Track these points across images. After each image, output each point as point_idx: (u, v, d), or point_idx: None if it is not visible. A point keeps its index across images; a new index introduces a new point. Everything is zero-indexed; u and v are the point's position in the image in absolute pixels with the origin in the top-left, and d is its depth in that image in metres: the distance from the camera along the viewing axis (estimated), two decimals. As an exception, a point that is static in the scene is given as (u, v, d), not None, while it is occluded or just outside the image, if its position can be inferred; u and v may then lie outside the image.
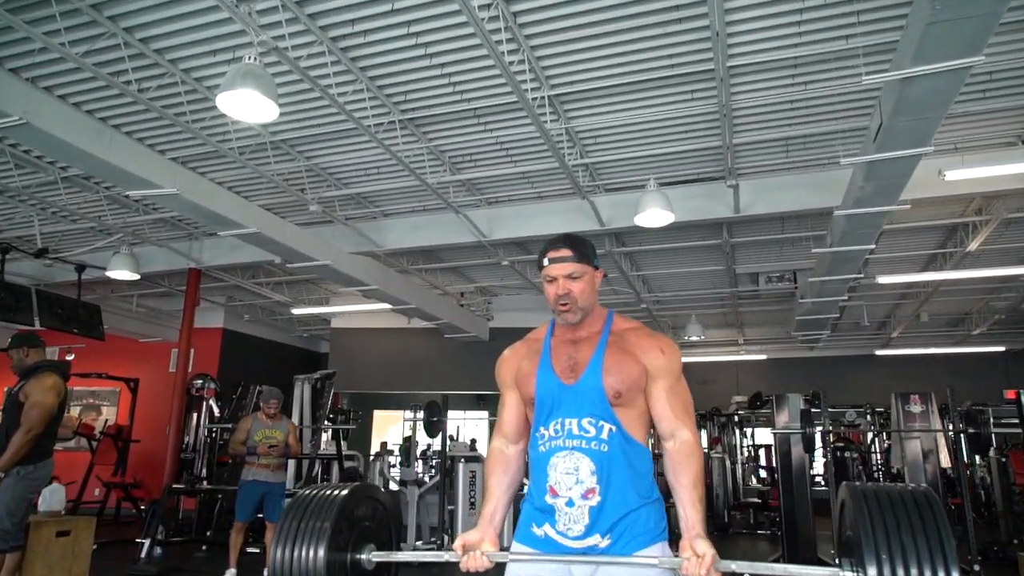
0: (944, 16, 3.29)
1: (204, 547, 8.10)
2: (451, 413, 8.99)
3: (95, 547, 5.20)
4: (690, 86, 5.34)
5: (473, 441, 11.51)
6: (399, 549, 2.22)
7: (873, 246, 6.84)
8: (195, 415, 9.63)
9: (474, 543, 1.88)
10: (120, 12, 4.50)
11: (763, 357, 15.55)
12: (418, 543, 7.77)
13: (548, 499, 1.85)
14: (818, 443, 7.21)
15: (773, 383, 12.50)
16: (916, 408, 8.39)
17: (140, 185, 5.75)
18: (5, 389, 4.49)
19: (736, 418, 12.42)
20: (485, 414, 15.59)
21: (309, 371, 10.47)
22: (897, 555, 1.50)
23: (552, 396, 1.90)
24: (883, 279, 9.24)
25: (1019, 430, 7.45)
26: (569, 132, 6.00)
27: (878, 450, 11.48)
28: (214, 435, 9.59)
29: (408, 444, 9.17)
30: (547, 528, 1.86)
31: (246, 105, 4.25)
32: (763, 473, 12.64)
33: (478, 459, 7.88)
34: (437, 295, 10.85)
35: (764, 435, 12.92)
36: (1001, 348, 14.05)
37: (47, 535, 4.63)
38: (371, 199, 7.82)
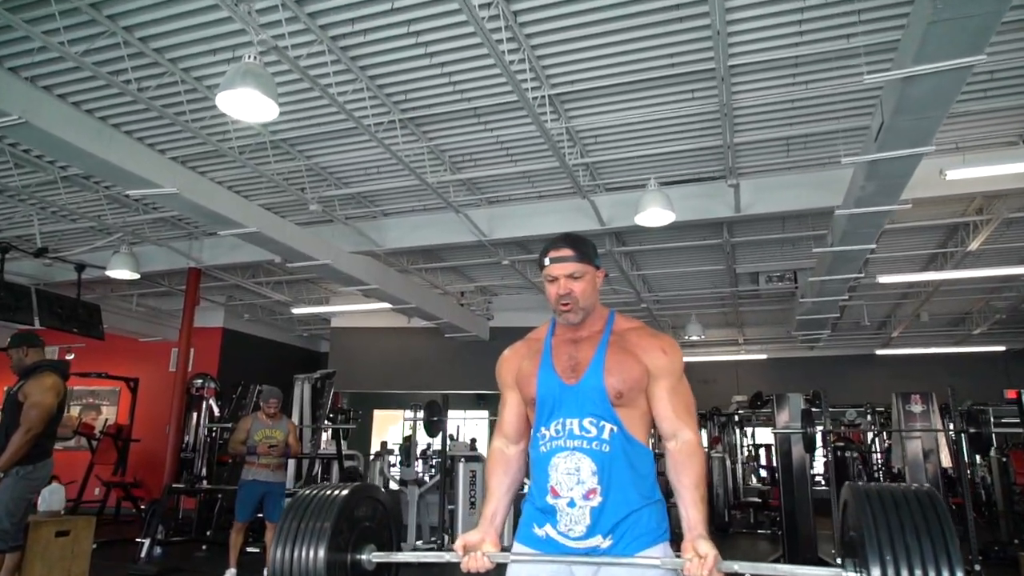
0: (946, 15, 3.28)
1: (204, 547, 8.10)
2: (451, 413, 8.98)
3: (95, 547, 5.18)
4: (691, 85, 5.33)
5: (473, 441, 11.52)
6: (399, 549, 2.21)
7: (874, 246, 6.83)
8: (195, 415, 9.62)
9: (475, 544, 1.87)
10: (119, 11, 4.49)
11: (763, 357, 15.55)
12: (418, 543, 7.77)
13: (549, 500, 1.85)
14: (819, 443, 7.21)
15: (773, 383, 12.48)
16: (917, 408, 8.40)
17: (140, 184, 5.74)
18: (5, 389, 4.48)
19: (736, 418, 12.41)
20: (485, 414, 15.58)
21: (309, 370, 10.46)
22: (901, 555, 1.49)
23: (553, 396, 1.89)
24: (884, 279, 9.23)
25: (1020, 430, 7.44)
26: (569, 131, 5.99)
27: (878, 450, 11.48)
28: (214, 435, 9.58)
29: (408, 444, 9.17)
30: (548, 529, 1.85)
31: (246, 104, 4.24)
32: (763, 473, 12.64)
33: (478, 459, 7.87)
34: (437, 294, 10.85)
35: (764, 435, 12.92)
36: (1001, 348, 14.05)
37: (46, 535, 4.62)
38: (371, 198, 7.81)
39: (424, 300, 10.14)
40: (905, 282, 10.24)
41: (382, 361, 12.87)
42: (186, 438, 9.38)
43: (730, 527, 10.02)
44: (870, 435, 11.60)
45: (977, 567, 5.87)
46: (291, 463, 7.83)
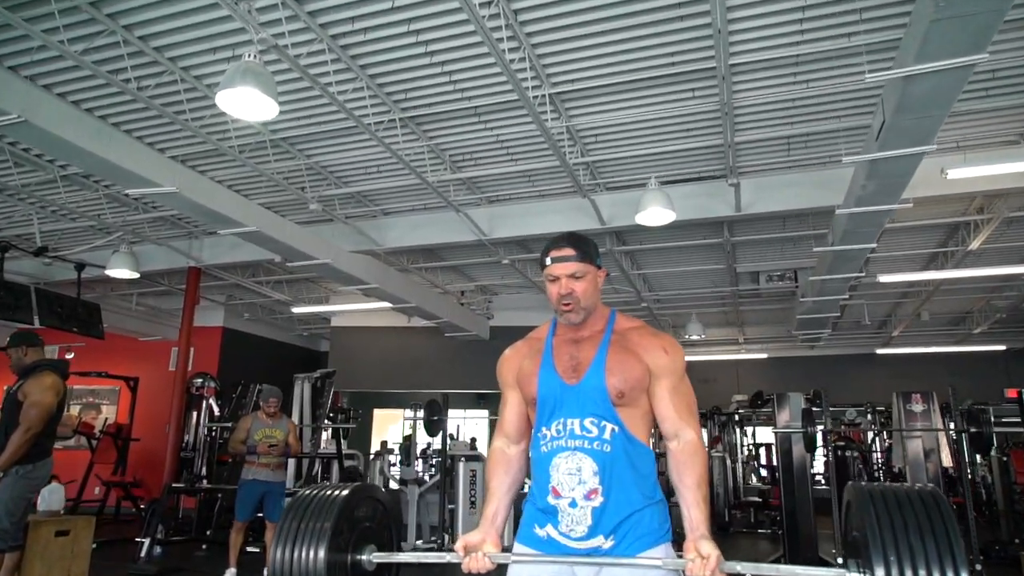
0: (948, 13, 3.27)
1: (204, 546, 8.09)
2: (451, 412, 8.97)
3: (94, 546, 5.18)
4: (691, 84, 5.32)
5: (473, 440, 11.52)
6: (400, 550, 2.20)
7: (874, 245, 6.82)
8: (195, 414, 9.62)
9: (476, 544, 1.86)
10: (119, 9, 4.48)
11: (764, 356, 15.54)
12: (418, 542, 7.76)
13: (551, 500, 1.84)
14: (819, 442, 7.20)
15: (774, 382, 12.49)
16: (918, 407, 8.39)
17: (139, 183, 5.73)
18: (4, 388, 4.47)
19: (737, 417, 12.40)
20: (485, 413, 15.58)
21: (309, 370, 10.46)
22: (905, 556, 1.48)
23: (554, 396, 1.88)
24: (884, 278, 9.22)
25: (1020, 429, 7.44)
26: (570, 130, 5.98)
27: (879, 449, 11.47)
28: (214, 434, 9.58)
29: (408, 443, 9.15)
30: (549, 529, 1.85)
31: (246, 103, 4.24)
32: (764, 472, 12.64)
33: (478, 458, 7.86)
34: (437, 294, 10.84)
35: (765, 434, 12.91)
36: (1002, 347, 14.04)
37: (46, 534, 4.62)
38: (371, 197, 7.80)
39: (424, 299, 10.14)
40: (906, 281, 10.24)
41: (382, 360, 12.86)
42: (186, 437, 9.37)
43: (730, 526, 10.02)
44: (870, 434, 11.59)
45: (978, 567, 5.87)
46: (291, 462, 7.82)
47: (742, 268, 9.94)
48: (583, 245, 1.92)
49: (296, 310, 12.09)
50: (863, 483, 1.81)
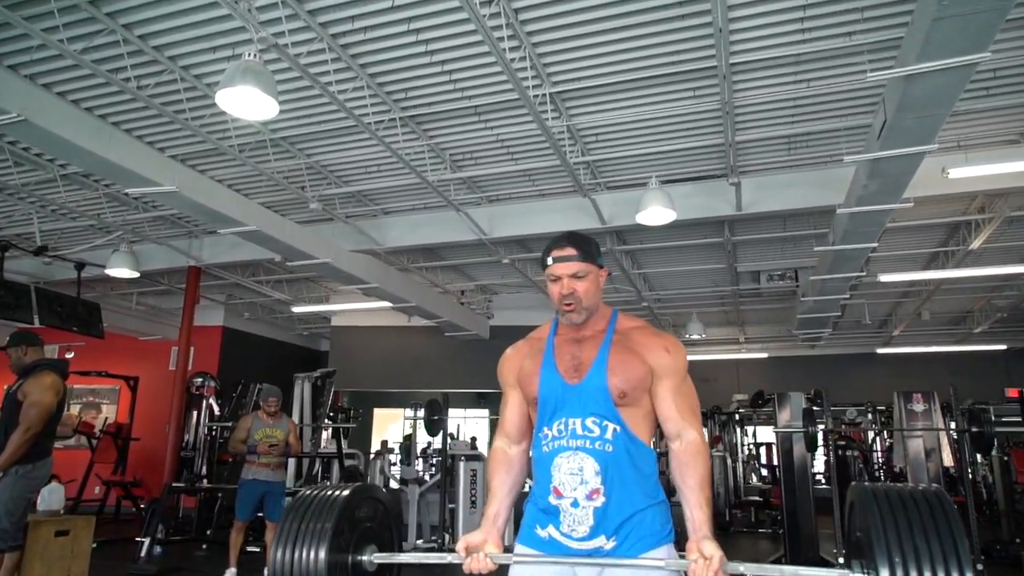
0: (951, 11, 3.26)
1: (204, 546, 8.08)
2: (452, 411, 8.96)
3: (94, 546, 5.17)
4: (692, 83, 5.31)
5: (473, 439, 11.52)
6: (401, 550, 2.19)
7: (875, 244, 6.82)
8: (195, 413, 9.61)
9: (477, 545, 1.85)
10: (119, 8, 4.47)
11: (764, 355, 15.54)
12: (419, 542, 7.75)
13: (552, 500, 1.83)
14: (820, 442, 7.19)
15: (774, 381, 12.48)
16: (919, 407, 8.38)
17: (139, 182, 5.72)
18: (4, 387, 4.46)
19: (737, 416, 12.40)
20: (486, 412, 15.57)
21: (309, 369, 10.46)
22: (910, 556, 1.47)
23: (555, 396, 1.87)
24: (885, 277, 9.22)
25: (1021, 428, 7.44)
26: (570, 129, 5.97)
27: (880, 449, 11.47)
28: (214, 433, 9.57)
29: (408, 442, 9.15)
30: (551, 529, 1.84)
31: (246, 102, 4.23)
32: (764, 472, 12.64)
33: (479, 457, 7.86)
34: (437, 293, 10.83)
35: (765, 433, 12.91)
36: (1003, 346, 14.04)
37: (46, 534, 4.61)
38: (371, 197, 7.79)
39: (424, 299, 10.13)
40: (906, 281, 10.23)
41: (382, 360, 12.86)
42: (186, 437, 9.37)
43: (731, 526, 10.01)
44: (871, 434, 11.59)
45: (980, 567, 5.86)
46: (291, 462, 7.83)
47: (743, 267, 9.93)
48: (585, 245, 1.91)
49: (296, 309, 12.09)
50: (867, 483, 1.80)
